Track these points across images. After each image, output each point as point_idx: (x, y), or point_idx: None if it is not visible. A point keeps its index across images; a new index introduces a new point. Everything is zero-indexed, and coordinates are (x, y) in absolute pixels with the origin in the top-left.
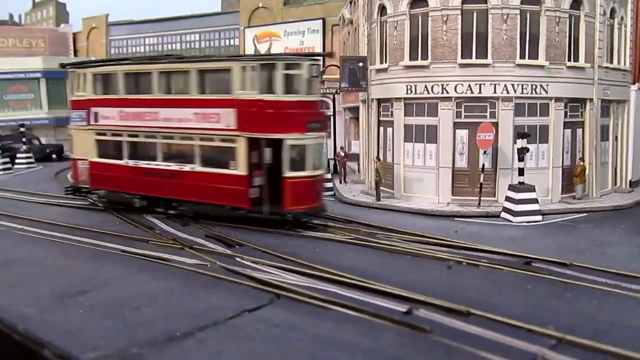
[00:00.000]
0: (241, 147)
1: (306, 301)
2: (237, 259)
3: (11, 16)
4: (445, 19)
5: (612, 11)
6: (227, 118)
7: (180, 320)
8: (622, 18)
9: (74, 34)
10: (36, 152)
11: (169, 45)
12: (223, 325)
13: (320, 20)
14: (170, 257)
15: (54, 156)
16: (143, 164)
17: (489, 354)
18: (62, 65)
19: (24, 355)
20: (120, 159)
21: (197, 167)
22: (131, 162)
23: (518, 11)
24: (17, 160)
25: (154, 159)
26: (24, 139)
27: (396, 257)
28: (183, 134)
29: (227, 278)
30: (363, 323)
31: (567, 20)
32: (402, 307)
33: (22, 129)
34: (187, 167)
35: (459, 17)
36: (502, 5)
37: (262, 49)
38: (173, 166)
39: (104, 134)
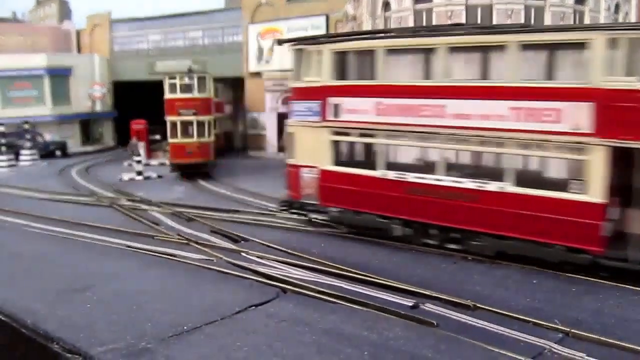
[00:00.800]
0: (597, 161)
1: (312, 295)
2: (243, 254)
3: (14, 14)
4: (449, 14)
5: (617, 6)
6: (574, 117)
7: (188, 315)
8: (626, 13)
9: (78, 31)
10: (40, 148)
11: (173, 42)
12: (230, 319)
13: (324, 17)
14: (176, 253)
15: (57, 153)
16: (412, 177)
17: (496, 347)
18: (280, 42)
19: (33, 349)
20: (372, 168)
21: (509, 187)
22: (391, 174)
23: (522, 6)
24: (21, 157)
25: (429, 170)
26: (28, 136)
27: (402, 253)
28: (487, 138)
29: (233, 273)
30: (370, 317)
31: (572, 15)
32: (408, 302)
33: (26, 126)
34: (490, 186)
35: (464, 12)
36: (507, 1)
37: (266, 45)
38: (465, 183)
39: (347, 134)
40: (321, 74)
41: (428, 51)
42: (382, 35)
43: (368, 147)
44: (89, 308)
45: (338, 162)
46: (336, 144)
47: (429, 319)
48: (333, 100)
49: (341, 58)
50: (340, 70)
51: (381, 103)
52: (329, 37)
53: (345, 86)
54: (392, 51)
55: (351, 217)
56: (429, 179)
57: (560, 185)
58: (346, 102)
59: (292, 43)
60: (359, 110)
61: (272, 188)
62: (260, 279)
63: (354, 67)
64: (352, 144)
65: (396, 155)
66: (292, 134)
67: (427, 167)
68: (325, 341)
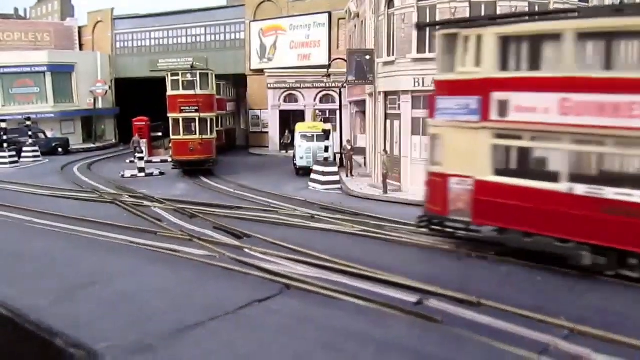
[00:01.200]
0: None
1: (316, 292)
2: (246, 250)
3: (16, 10)
4: (453, 11)
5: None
6: None
7: (191, 311)
8: None
9: (80, 28)
10: (42, 146)
11: (175, 39)
12: (234, 315)
13: (326, 14)
14: (179, 249)
15: (60, 150)
16: (611, 193)
17: (501, 343)
18: (420, 26)
19: (37, 345)
20: (551, 180)
21: None
22: (580, 189)
23: (526, 3)
24: (23, 154)
25: (635, 186)
26: (30, 133)
27: (405, 249)
28: None
29: (236, 269)
30: (374, 313)
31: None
32: (413, 298)
33: (28, 123)
34: None
35: (467, 9)
36: None
37: (268, 42)
38: None
39: (516, 137)
40: (482, 64)
41: (635, 35)
42: (569, 15)
43: (542, 155)
44: (92, 305)
45: (501, 171)
46: (499, 149)
47: (434, 315)
48: (498, 95)
49: (512, 43)
50: (513, 59)
51: (569, 100)
52: (492, 19)
53: (517, 79)
54: (586, 35)
55: (517, 238)
56: (636, 196)
57: None
58: (517, 98)
59: (441, 27)
60: (535, 108)
61: (274, 185)
62: (263, 275)
63: (533, 55)
64: (521, 149)
65: (591, 165)
66: (437, 136)
67: (631, 181)
68: (329, 337)
